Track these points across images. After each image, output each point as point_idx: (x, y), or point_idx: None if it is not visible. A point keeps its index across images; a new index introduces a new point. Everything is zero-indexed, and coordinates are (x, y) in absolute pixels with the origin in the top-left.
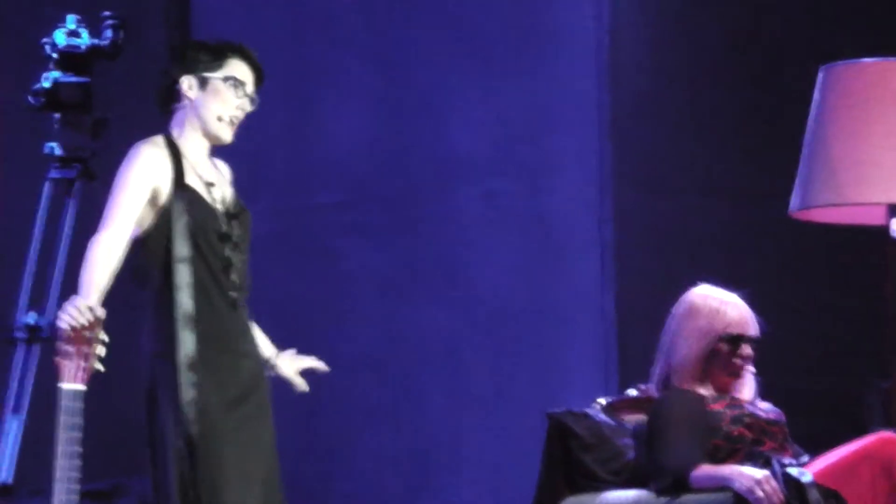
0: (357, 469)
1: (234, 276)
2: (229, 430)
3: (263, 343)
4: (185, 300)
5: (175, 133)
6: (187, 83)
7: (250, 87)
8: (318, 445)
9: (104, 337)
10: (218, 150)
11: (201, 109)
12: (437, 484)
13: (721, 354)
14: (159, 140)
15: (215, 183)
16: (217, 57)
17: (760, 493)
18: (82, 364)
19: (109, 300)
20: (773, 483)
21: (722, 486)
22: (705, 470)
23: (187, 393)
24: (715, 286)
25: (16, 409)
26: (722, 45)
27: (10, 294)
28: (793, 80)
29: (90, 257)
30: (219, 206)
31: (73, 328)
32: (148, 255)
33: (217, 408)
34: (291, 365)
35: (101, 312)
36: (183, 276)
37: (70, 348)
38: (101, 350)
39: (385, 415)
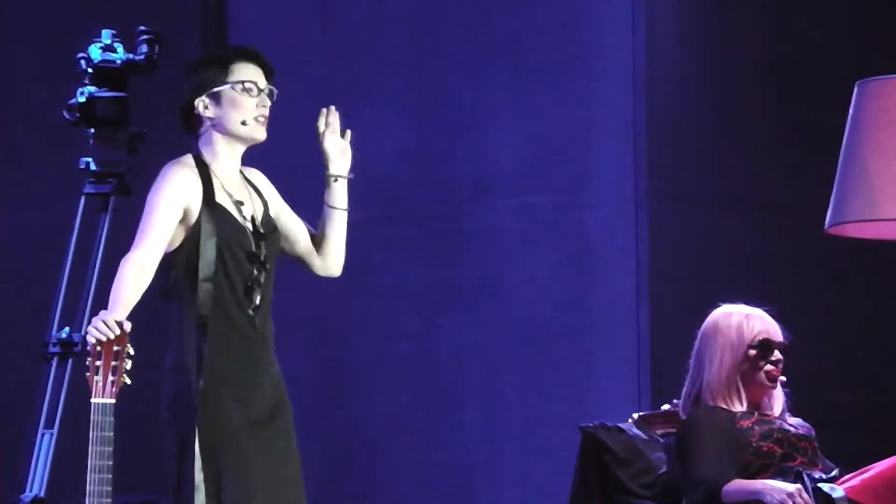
0: (394, 486)
1: (259, 296)
2: (255, 452)
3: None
4: (209, 318)
5: (204, 153)
6: (202, 104)
7: (263, 83)
8: (354, 462)
9: (131, 351)
10: (256, 163)
11: (223, 123)
12: (475, 499)
13: (751, 363)
14: (188, 160)
15: (245, 201)
16: (220, 68)
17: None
18: (111, 378)
19: (138, 315)
20: (805, 496)
21: (754, 500)
22: (737, 484)
23: (208, 410)
24: (742, 303)
25: (48, 424)
26: (758, 59)
27: (45, 309)
28: (829, 94)
29: (121, 275)
30: (248, 225)
31: (101, 342)
32: (176, 272)
33: (240, 427)
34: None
35: (128, 326)
36: (208, 294)
37: (99, 363)
38: (129, 363)
39: (421, 430)
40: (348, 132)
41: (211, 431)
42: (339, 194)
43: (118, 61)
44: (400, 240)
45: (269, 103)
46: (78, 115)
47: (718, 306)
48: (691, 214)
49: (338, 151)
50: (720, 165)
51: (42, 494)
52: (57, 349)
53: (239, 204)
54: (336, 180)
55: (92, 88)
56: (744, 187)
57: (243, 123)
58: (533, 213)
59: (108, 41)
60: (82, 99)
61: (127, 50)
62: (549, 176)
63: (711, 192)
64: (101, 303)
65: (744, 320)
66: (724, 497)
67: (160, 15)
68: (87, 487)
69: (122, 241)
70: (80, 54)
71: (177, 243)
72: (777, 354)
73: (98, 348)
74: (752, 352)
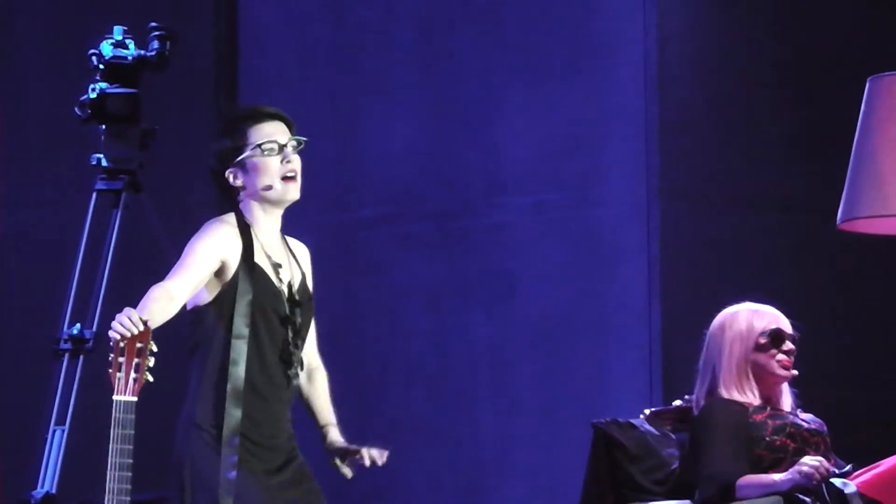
0: (406, 482)
1: (290, 360)
2: (276, 489)
3: (325, 408)
4: (238, 375)
5: (246, 216)
6: (231, 176)
7: (283, 137)
8: None
9: (154, 347)
10: None
11: (254, 189)
12: (488, 496)
13: (763, 352)
14: (231, 218)
15: (283, 265)
16: (238, 135)
17: (813, 471)
18: (133, 375)
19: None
20: (827, 465)
21: (769, 493)
22: (750, 479)
23: (227, 469)
24: (742, 303)
25: (59, 420)
26: (769, 56)
27: (56, 306)
28: (841, 91)
29: (151, 294)
30: (284, 289)
31: (124, 338)
32: (205, 327)
33: (260, 473)
34: (337, 451)
35: (152, 323)
36: (240, 351)
37: (121, 359)
38: (151, 361)
39: (435, 427)
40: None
41: (228, 491)
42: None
43: (129, 58)
44: (413, 237)
45: (294, 158)
46: (89, 111)
47: (729, 302)
48: (703, 212)
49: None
50: (732, 163)
51: (53, 491)
52: (68, 346)
53: (277, 266)
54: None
55: (103, 85)
56: (755, 184)
57: (269, 188)
58: (545, 210)
59: (120, 37)
60: (93, 95)
61: (138, 46)
62: (562, 173)
63: (723, 190)
64: (112, 299)
65: (752, 315)
66: (737, 491)
67: (171, 11)
68: (108, 485)
69: (134, 237)
70: (92, 51)
71: (210, 297)
72: (788, 345)
73: (121, 344)
74: (763, 340)
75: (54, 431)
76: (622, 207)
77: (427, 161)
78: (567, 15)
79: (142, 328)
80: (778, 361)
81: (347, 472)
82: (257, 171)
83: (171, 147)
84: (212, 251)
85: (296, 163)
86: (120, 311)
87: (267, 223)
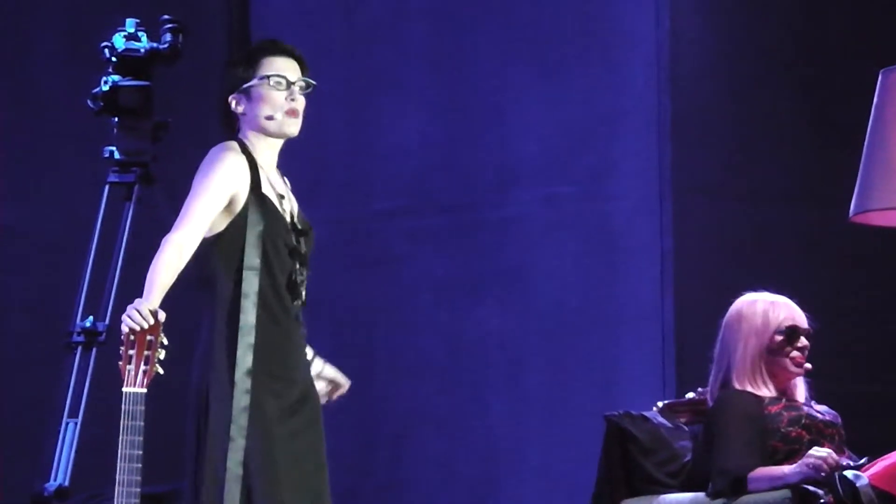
0: (418, 476)
1: (297, 290)
2: (284, 438)
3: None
4: (249, 309)
5: (247, 145)
6: (234, 102)
7: (293, 75)
8: (380, 454)
9: (165, 340)
10: (283, 154)
11: (254, 118)
12: (500, 488)
13: (778, 348)
14: (236, 146)
15: (286, 196)
16: (249, 64)
17: (821, 462)
18: (143, 367)
19: (170, 304)
20: (836, 456)
21: (780, 486)
22: (762, 472)
23: (242, 400)
24: (757, 293)
25: (72, 413)
26: (782, 49)
27: (69, 298)
28: (854, 84)
29: (162, 257)
30: (288, 219)
31: (134, 331)
32: (218, 260)
33: (272, 415)
34: (328, 383)
35: (162, 316)
36: (251, 284)
37: (131, 352)
38: (161, 353)
39: (447, 420)
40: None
41: (242, 421)
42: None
43: (142, 50)
44: (425, 230)
45: (299, 97)
46: (101, 104)
47: (742, 296)
48: (716, 205)
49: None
50: (744, 156)
51: (66, 483)
52: (81, 338)
53: (280, 197)
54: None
55: (116, 77)
56: (768, 177)
57: (271, 118)
58: (558, 203)
59: (132, 30)
60: (106, 88)
61: (151, 39)
62: (574, 167)
63: (736, 183)
64: (125, 292)
65: (769, 307)
66: (749, 484)
67: (185, 4)
68: (117, 476)
69: (146, 230)
70: (104, 43)
71: (218, 230)
72: (803, 341)
73: (131, 337)
74: (779, 337)
75: (67, 424)
76: (635, 201)
77: (439, 155)
78: (579, 8)
79: (152, 321)
80: (791, 358)
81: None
82: (261, 101)
83: (183, 140)
84: (222, 188)
85: (300, 102)
86: (132, 303)
87: (268, 154)
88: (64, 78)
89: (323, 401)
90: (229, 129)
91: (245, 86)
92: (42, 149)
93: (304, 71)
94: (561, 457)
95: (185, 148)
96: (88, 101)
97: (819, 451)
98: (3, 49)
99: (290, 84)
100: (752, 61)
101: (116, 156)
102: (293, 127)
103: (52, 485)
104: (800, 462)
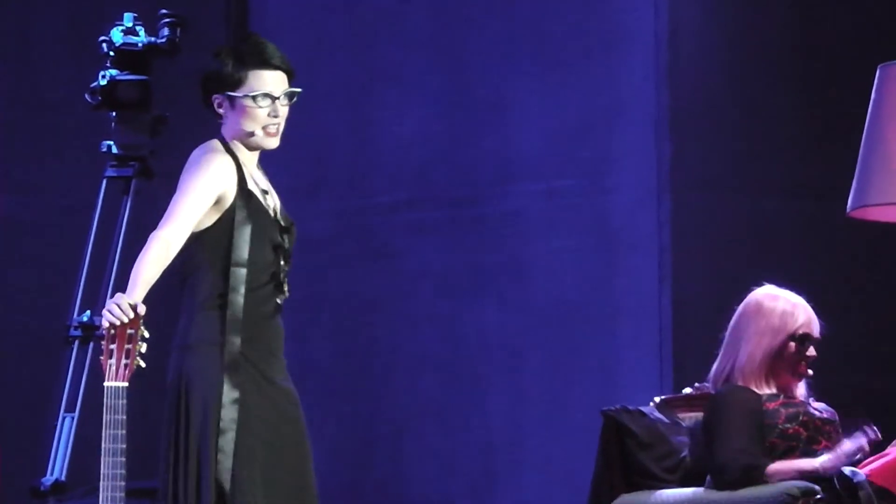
0: (417, 469)
1: (281, 284)
2: (268, 430)
3: None
4: (237, 303)
5: (229, 142)
6: (217, 102)
7: (279, 88)
8: (379, 446)
9: (146, 333)
10: (282, 148)
11: (235, 127)
12: (499, 482)
13: (788, 354)
14: (219, 145)
15: (268, 191)
16: (237, 73)
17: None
18: (125, 361)
19: (155, 298)
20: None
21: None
22: (786, 464)
23: (232, 393)
24: (778, 287)
25: (69, 407)
26: (780, 43)
27: (66, 293)
28: (853, 78)
29: (148, 253)
30: (272, 216)
31: (115, 326)
32: (203, 254)
33: (256, 408)
34: None
35: (142, 310)
36: (239, 278)
37: (112, 346)
38: (143, 347)
39: (446, 413)
40: None
41: (234, 411)
42: None
43: (140, 44)
44: (425, 224)
45: (282, 112)
46: (100, 98)
47: (740, 291)
48: (714, 199)
49: None
50: (743, 150)
51: (63, 478)
52: (78, 332)
53: (265, 193)
54: None
55: (114, 71)
56: (767, 172)
57: (251, 135)
58: (557, 197)
59: (130, 24)
60: (104, 82)
61: (149, 33)
62: (574, 160)
63: (734, 177)
64: (123, 286)
65: (790, 309)
66: (771, 477)
67: None
68: (101, 471)
69: (144, 224)
70: (102, 37)
71: (205, 225)
72: (812, 350)
73: (112, 331)
74: (791, 344)
75: (64, 419)
76: (634, 195)
77: (440, 148)
78: (580, 2)
79: (132, 315)
80: (798, 365)
81: None
82: (244, 116)
83: (182, 134)
84: (210, 187)
85: (282, 117)
86: (112, 297)
87: (246, 152)
88: (62, 72)
89: None
90: (207, 106)
91: (230, 94)
92: (40, 143)
93: (291, 79)
94: (559, 450)
95: (184, 142)
96: (86, 96)
97: (852, 442)
98: (2, 44)
99: (273, 100)
100: (751, 55)
101: (114, 150)
102: (272, 143)
103: (48, 479)
104: (835, 454)
